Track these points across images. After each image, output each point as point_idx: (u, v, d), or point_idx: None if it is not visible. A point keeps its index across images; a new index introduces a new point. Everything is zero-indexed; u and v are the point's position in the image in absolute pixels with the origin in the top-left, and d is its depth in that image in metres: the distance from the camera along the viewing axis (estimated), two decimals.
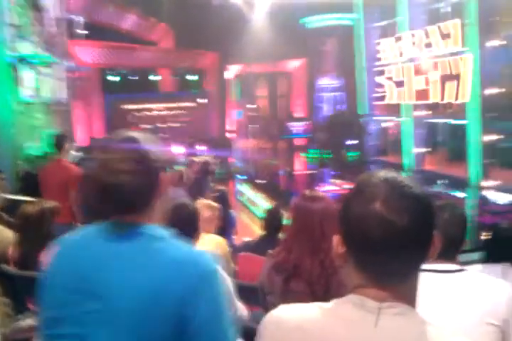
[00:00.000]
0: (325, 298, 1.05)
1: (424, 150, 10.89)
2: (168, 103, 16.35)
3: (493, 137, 8.70)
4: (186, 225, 2.48)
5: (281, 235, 3.22)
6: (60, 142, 4.88)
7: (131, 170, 1.17)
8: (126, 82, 16.12)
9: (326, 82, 15.34)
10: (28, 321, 2.42)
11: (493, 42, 8.71)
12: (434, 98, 9.99)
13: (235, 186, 7.92)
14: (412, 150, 10.93)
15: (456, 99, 9.28)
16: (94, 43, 14.51)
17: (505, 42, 8.69)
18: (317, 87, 15.54)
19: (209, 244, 3.45)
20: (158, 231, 1.22)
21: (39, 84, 8.24)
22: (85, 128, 14.66)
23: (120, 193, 1.17)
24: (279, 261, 2.14)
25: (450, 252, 1.73)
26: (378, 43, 12.22)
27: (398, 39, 11.23)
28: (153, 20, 15.73)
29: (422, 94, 10.39)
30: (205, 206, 3.69)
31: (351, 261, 0.95)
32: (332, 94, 15.23)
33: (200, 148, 12.56)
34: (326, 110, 14.98)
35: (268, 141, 14.33)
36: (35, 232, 2.76)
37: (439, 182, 8.96)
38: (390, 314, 0.91)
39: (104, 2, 13.91)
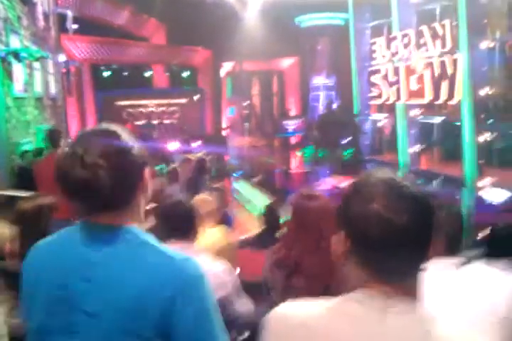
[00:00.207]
0: (326, 294, 1.06)
1: (419, 149, 10.95)
2: (161, 99, 16.29)
3: (487, 137, 8.77)
4: (183, 223, 2.46)
5: (279, 232, 3.24)
6: (54, 137, 4.86)
7: (108, 164, 1.09)
8: (119, 77, 16.04)
9: (319, 80, 15.37)
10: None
11: (484, 44, 8.79)
12: (427, 98, 10.05)
13: (231, 184, 7.91)
14: (407, 149, 10.99)
15: (450, 98, 9.34)
16: (85, 38, 14.42)
17: (493, 44, 8.78)
18: (311, 86, 15.57)
19: (211, 238, 3.48)
20: (138, 235, 1.15)
21: (30, 78, 8.19)
22: (78, 124, 14.58)
23: (95, 189, 1.09)
24: (280, 257, 2.17)
25: (451, 250, 1.74)
26: (372, 43, 12.26)
27: (391, 39, 11.28)
28: (145, 15, 15.67)
29: (416, 93, 10.44)
30: (202, 200, 3.71)
31: (355, 258, 0.96)
32: (326, 92, 15.27)
33: (195, 145, 12.53)
34: (320, 108, 15.02)
35: (263, 139, 14.34)
36: (32, 228, 2.72)
37: (434, 181, 9.01)
38: (395, 311, 0.91)
39: None
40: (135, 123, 15.56)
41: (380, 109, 12.75)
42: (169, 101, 16.33)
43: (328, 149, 12.51)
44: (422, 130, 11.04)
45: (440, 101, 9.68)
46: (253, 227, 3.91)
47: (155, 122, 16.02)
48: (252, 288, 2.46)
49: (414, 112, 10.99)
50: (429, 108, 10.49)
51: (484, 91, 8.79)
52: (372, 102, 12.64)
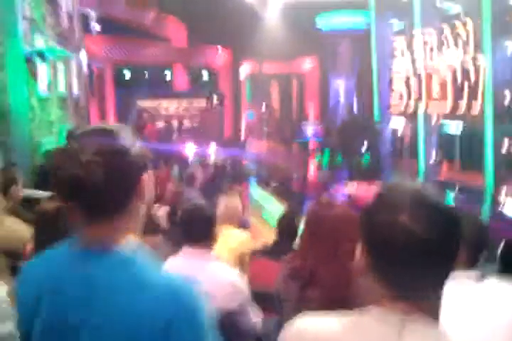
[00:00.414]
0: (342, 306, 1.04)
1: (439, 157, 10.82)
2: (181, 102, 16.40)
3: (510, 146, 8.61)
4: (202, 229, 2.46)
5: (295, 241, 3.21)
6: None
7: (103, 162, 1.04)
8: (140, 78, 16.20)
9: (339, 84, 15.27)
10: None
11: (508, 46, 8.64)
12: (449, 104, 9.93)
13: (248, 188, 7.90)
14: (427, 156, 10.86)
15: (472, 106, 9.21)
16: (108, 38, 14.58)
17: None
18: (331, 90, 15.49)
19: (233, 241, 3.49)
20: (133, 258, 1.09)
21: (54, 78, 8.30)
22: (100, 124, 14.72)
23: (88, 187, 1.04)
24: (295, 268, 2.13)
25: (469, 263, 1.71)
26: (393, 46, 12.16)
27: (413, 42, 11.17)
28: (166, 16, 15.78)
29: (438, 99, 10.33)
30: (229, 203, 3.80)
31: (374, 271, 0.94)
32: (346, 96, 15.17)
33: (213, 148, 12.57)
34: (340, 113, 14.93)
35: (281, 144, 14.31)
36: (51, 229, 2.75)
37: (453, 191, 8.88)
38: (414, 327, 0.89)
39: None
40: (155, 125, 15.70)
41: (402, 115, 12.64)
42: (189, 104, 16.43)
43: (347, 155, 12.43)
44: (442, 138, 10.91)
45: (462, 108, 9.56)
46: (268, 234, 3.89)
47: (174, 124, 16.13)
48: (261, 299, 2.44)
49: (436, 119, 10.87)
50: (451, 114, 10.36)
51: (508, 97, 8.64)
52: (393, 108, 12.53)
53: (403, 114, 12.33)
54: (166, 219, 4.03)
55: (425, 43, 10.61)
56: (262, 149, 13.99)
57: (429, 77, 10.57)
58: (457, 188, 9.02)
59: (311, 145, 14.31)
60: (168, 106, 16.28)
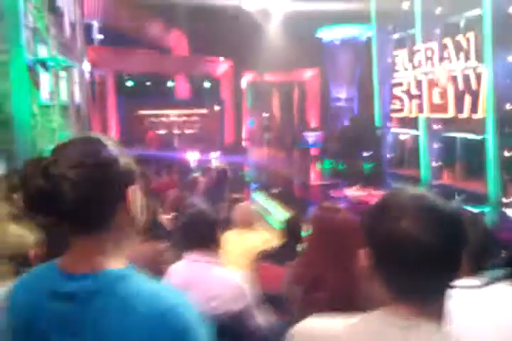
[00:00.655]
0: (346, 309, 1.04)
1: (441, 164, 10.82)
2: (182, 109, 16.47)
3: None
4: (205, 233, 2.45)
5: (300, 245, 3.22)
6: None
7: (77, 176, 0.97)
8: (141, 87, 16.29)
9: (340, 92, 15.34)
10: None
11: (509, 57, 8.69)
12: (451, 112, 9.96)
13: (250, 195, 7.91)
14: (429, 163, 10.87)
15: (473, 113, 9.23)
16: (110, 48, 14.68)
17: None
18: (332, 98, 15.55)
19: (250, 243, 3.69)
20: (120, 274, 1.02)
21: (56, 87, 8.36)
22: (101, 132, 14.78)
23: (55, 202, 0.97)
24: (300, 272, 2.14)
25: (475, 269, 1.70)
26: (394, 55, 12.22)
27: (414, 51, 11.23)
28: (168, 26, 15.89)
29: (439, 107, 10.35)
30: (245, 206, 3.91)
31: (378, 276, 0.94)
32: (347, 104, 15.22)
33: (215, 155, 12.60)
34: (341, 121, 14.97)
35: (282, 150, 14.34)
36: (57, 234, 2.75)
37: (456, 197, 8.87)
38: (419, 331, 0.89)
39: (120, 8, 14.08)
40: (157, 133, 15.76)
41: (403, 122, 12.66)
42: (190, 112, 16.48)
43: (348, 162, 12.45)
44: (444, 145, 10.92)
45: (464, 116, 9.58)
46: (272, 239, 3.92)
47: (176, 132, 16.18)
48: (272, 301, 2.44)
49: (437, 126, 10.89)
50: (453, 122, 10.38)
51: (509, 105, 8.67)
52: (394, 115, 12.56)
53: (404, 121, 12.36)
54: (170, 225, 4.05)
55: (426, 52, 10.67)
56: (263, 156, 14.03)
57: (431, 84, 10.61)
58: (460, 194, 9.01)
59: (312, 152, 14.33)
60: (170, 114, 16.34)
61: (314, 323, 1.01)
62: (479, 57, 9.02)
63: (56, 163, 0.99)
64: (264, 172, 12.04)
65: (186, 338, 1.02)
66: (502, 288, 1.70)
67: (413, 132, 11.86)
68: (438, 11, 10.40)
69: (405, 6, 11.61)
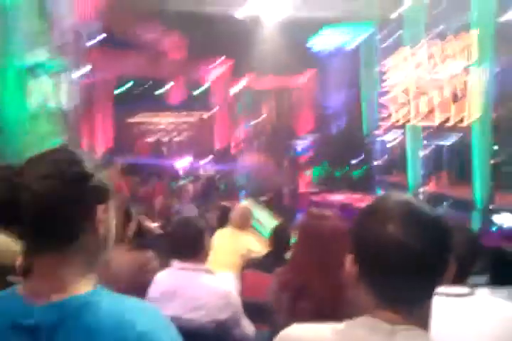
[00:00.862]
0: (333, 317, 1.04)
1: (429, 171, 10.90)
2: (173, 116, 16.42)
3: (498, 159, 8.72)
4: (191, 242, 2.44)
5: (288, 253, 3.22)
6: None
7: (41, 189, 0.92)
8: (137, 92, 16.21)
9: (330, 99, 15.41)
10: None
11: (496, 65, 8.81)
12: (438, 119, 10.05)
13: (240, 202, 7.90)
14: (417, 170, 10.94)
15: (460, 120, 9.33)
16: (104, 53, 14.60)
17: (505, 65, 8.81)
18: (323, 105, 15.62)
19: (244, 244, 3.81)
20: (86, 299, 0.94)
21: (47, 93, 8.31)
22: (92, 138, 14.70)
23: (12, 214, 0.92)
24: (286, 279, 2.14)
25: (460, 275, 1.71)
26: (383, 64, 12.34)
27: (403, 59, 11.33)
28: (163, 31, 15.87)
29: (426, 114, 10.44)
30: (244, 208, 3.93)
31: (364, 283, 0.95)
32: (338, 111, 15.30)
33: (205, 162, 12.58)
34: (331, 128, 15.04)
35: (273, 157, 14.35)
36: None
37: (443, 203, 8.94)
38: (403, 337, 0.90)
39: (117, 12, 14.05)
40: (146, 140, 15.70)
41: (391, 129, 12.75)
42: (181, 119, 16.45)
43: (338, 169, 12.49)
44: (432, 152, 11.00)
45: (450, 123, 9.67)
46: (261, 246, 3.93)
47: (166, 138, 16.13)
48: (257, 310, 2.44)
49: (424, 134, 10.98)
50: (440, 129, 10.48)
51: (495, 113, 8.78)
52: (382, 123, 12.65)
53: (393, 127, 12.45)
54: (157, 233, 4.04)
55: (414, 61, 10.78)
56: (253, 163, 14.02)
57: (418, 92, 10.71)
58: (446, 201, 9.08)
59: (303, 159, 14.36)
60: (160, 120, 16.29)
61: (299, 330, 1.01)
62: (467, 65, 9.12)
63: (23, 173, 0.95)
64: (253, 180, 12.04)
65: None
66: (485, 295, 1.72)
67: (401, 139, 11.95)
68: (426, 19, 10.53)
69: (394, 14, 11.74)
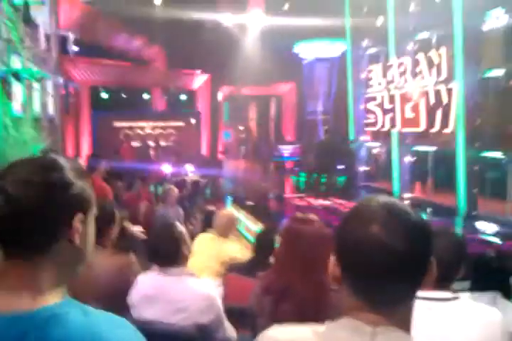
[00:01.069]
0: (315, 320, 1.04)
1: (412, 177, 10.99)
2: (158, 122, 16.39)
3: (480, 166, 8.82)
4: (169, 248, 2.42)
5: (271, 258, 3.22)
6: None
7: (20, 192, 0.91)
8: (117, 99, 16.19)
9: (315, 106, 15.51)
10: None
11: (479, 73, 8.94)
12: (422, 126, 10.15)
13: (225, 207, 7.89)
14: (401, 177, 11.03)
15: (444, 127, 9.43)
16: (85, 60, 14.58)
17: (488, 73, 8.94)
18: (307, 111, 15.71)
19: (227, 250, 3.76)
20: (57, 311, 0.91)
21: (29, 99, 8.23)
22: (75, 144, 14.60)
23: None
24: (269, 283, 2.13)
25: (445, 280, 1.71)
26: (368, 70, 12.45)
27: (387, 67, 11.46)
28: (144, 39, 15.89)
29: (411, 121, 10.54)
30: (226, 214, 3.91)
31: (346, 285, 0.95)
32: (322, 118, 15.39)
33: (190, 167, 12.55)
34: (316, 134, 15.12)
35: (258, 163, 14.37)
36: None
37: (427, 209, 9.01)
38: (385, 338, 0.90)
39: (96, 20, 14.03)
40: (131, 145, 15.63)
41: (376, 136, 12.85)
42: (166, 124, 16.42)
43: (322, 175, 12.55)
44: (416, 158, 11.11)
45: (435, 130, 9.78)
46: (245, 251, 3.91)
47: (151, 144, 16.08)
48: (240, 314, 2.42)
49: (409, 140, 11.08)
50: (424, 136, 10.58)
51: (478, 120, 8.90)
52: (368, 129, 12.75)
53: (377, 135, 12.55)
54: (141, 237, 4.01)
55: (399, 67, 10.90)
56: (239, 169, 14.03)
57: (403, 99, 10.82)
58: (430, 207, 9.16)
59: (288, 165, 14.41)
60: (146, 126, 16.25)
61: (280, 331, 1.01)
62: (451, 73, 9.25)
63: (3, 177, 0.94)
64: (239, 185, 12.04)
65: None
66: (468, 300, 1.73)
67: (386, 146, 12.05)
68: (411, 27, 10.67)
69: (379, 22, 11.89)
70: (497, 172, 8.79)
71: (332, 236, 0.93)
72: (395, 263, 0.89)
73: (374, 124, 12.04)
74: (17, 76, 7.03)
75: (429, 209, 9.09)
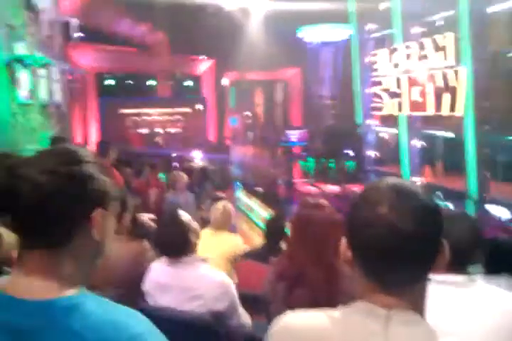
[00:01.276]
0: (328, 304, 1.04)
1: (422, 161, 10.94)
2: (164, 108, 16.36)
3: (490, 150, 8.75)
4: (175, 238, 2.42)
5: (283, 244, 3.22)
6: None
7: (47, 181, 0.92)
8: (123, 86, 16.16)
9: (322, 91, 15.39)
10: None
11: (486, 56, 8.83)
12: (430, 110, 10.06)
13: (234, 193, 7.90)
14: (410, 161, 10.98)
15: (452, 111, 9.34)
16: (90, 46, 14.52)
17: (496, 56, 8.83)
18: (313, 96, 15.60)
19: (226, 245, 3.65)
20: (74, 303, 0.92)
21: (35, 85, 8.23)
22: (82, 131, 14.64)
23: (11, 204, 0.91)
24: (282, 269, 2.14)
25: (460, 263, 1.70)
26: (374, 54, 12.31)
27: (393, 51, 11.32)
28: (149, 25, 15.78)
29: (419, 105, 10.45)
30: (223, 207, 3.88)
31: (358, 267, 0.94)
32: (328, 102, 15.29)
33: (198, 153, 12.56)
34: (323, 119, 15.04)
35: (265, 149, 14.35)
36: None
37: (437, 193, 8.98)
38: (399, 321, 0.90)
39: (100, 6, 13.93)
40: (138, 131, 15.64)
41: (384, 120, 12.77)
42: (173, 110, 16.38)
43: (330, 160, 12.52)
44: (425, 142, 11.04)
45: (443, 114, 9.69)
46: (256, 237, 3.92)
47: (158, 130, 16.08)
48: (254, 301, 2.43)
49: (418, 124, 11.00)
50: (433, 120, 10.50)
51: (487, 103, 8.80)
52: (375, 113, 12.66)
53: (385, 119, 12.46)
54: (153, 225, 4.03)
55: (405, 51, 10.77)
56: (247, 154, 14.03)
57: (410, 82, 10.71)
58: (440, 191, 9.12)
59: (295, 150, 14.38)
60: (152, 112, 16.22)
61: (295, 317, 1.01)
62: (458, 56, 9.13)
63: (26, 165, 0.94)
64: (247, 171, 12.05)
65: None
66: (486, 285, 1.71)
67: (394, 130, 11.97)
68: (417, 10, 10.51)
69: (385, 5, 11.71)
70: (509, 156, 8.73)
71: (343, 221, 0.94)
72: (403, 243, 0.88)
73: (381, 108, 11.95)
74: (22, 62, 7.02)
75: (439, 193, 9.05)
